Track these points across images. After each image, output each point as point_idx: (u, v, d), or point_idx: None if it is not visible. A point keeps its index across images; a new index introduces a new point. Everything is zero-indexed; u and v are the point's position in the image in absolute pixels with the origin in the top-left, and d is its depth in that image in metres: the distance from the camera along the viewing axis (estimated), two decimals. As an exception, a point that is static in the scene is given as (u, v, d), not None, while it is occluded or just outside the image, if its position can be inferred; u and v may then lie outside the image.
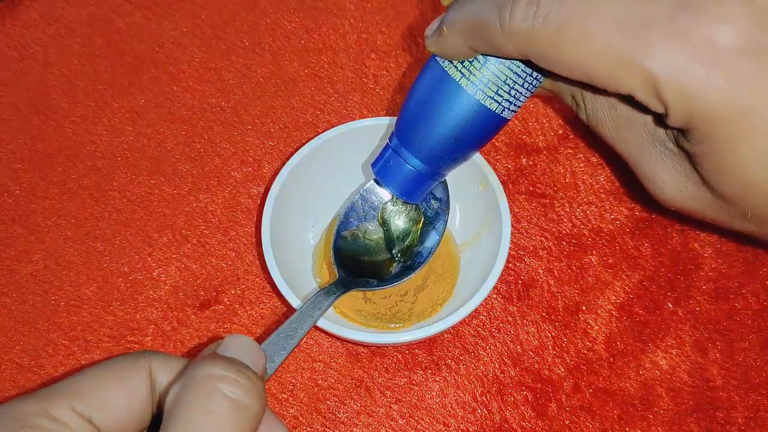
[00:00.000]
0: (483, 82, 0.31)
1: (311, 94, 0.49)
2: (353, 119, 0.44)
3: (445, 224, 0.38)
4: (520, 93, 0.32)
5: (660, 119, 0.31)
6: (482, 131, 0.33)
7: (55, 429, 0.22)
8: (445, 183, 0.38)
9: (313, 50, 0.50)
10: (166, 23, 0.52)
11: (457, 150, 0.34)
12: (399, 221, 0.39)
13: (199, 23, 0.52)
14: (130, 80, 0.50)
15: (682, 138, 0.30)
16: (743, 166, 0.28)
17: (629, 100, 0.29)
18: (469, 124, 0.32)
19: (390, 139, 0.35)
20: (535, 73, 0.32)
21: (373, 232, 0.39)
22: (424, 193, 0.36)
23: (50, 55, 0.51)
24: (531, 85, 0.32)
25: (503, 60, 0.31)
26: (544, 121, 0.46)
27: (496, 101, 0.32)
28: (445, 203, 0.38)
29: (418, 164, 0.34)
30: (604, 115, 0.35)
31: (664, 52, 0.26)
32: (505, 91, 0.32)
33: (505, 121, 0.33)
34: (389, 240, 0.39)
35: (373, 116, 0.47)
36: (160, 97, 0.49)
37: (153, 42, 0.51)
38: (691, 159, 0.31)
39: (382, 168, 0.36)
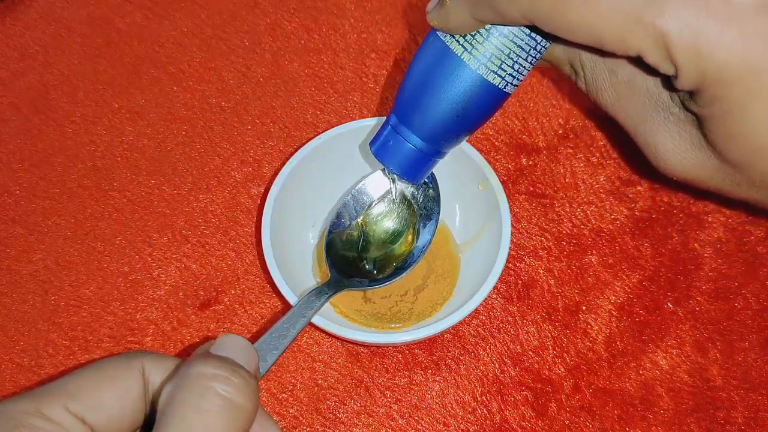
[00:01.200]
0: (486, 57, 0.31)
1: (311, 94, 0.49)
2: (353, 119, 0.44)
3: (437, 223, 0.38)
4: (523, 67, 0.32)
5: (668, 82, 0.30)
6: (485, 107, 0.32)
7: (49, 428, 0.22)
8: (434, 179, 0.38)
9: (313, 50, 0.50)
10: (166, 23, 0.52)
11: (460, 127, 0.33)
12: (390, 222, 0.39)
13: (199, 23, 0.52)
14: (130, 80, 0.50)
15: (690, 100, 0.29)
16: (753, 129, 0.27)
17: (636, 62, 0.28)
18: (473, 100, 0.32)
19: (388, 117, 0.34)
20: (537, 45, 0.31)
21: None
22: (426, 172, 0.35)
23: (50, 55, 0.51)
24: (533, 58, 0.32)
25: (506, 32, 0.30)
26: (544, 121, 0.46)
27: (499, 76, 0.31)
28: (435, 201, 0.38)
29: (418, 142, 0.33)
30: (604, 82, 0.34)
31: (677, 9, 0.26)
32: (508, 65, 0.31)
33: (507, 95, 0.33)
34: (365, 243, 0.39)
35: (373, 116, 0.47)
36: (160, 97, 0.49)
37: (153, 42, 0.51)
38: (698, 123, 0.30)
39: (381, 147, 0.35)
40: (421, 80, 0.32)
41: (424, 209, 0.39)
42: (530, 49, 0.31)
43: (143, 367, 0.25)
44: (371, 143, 0.35)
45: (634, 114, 0.33)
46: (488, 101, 0.32)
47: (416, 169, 0.35)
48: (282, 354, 0.30)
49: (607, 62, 0.33)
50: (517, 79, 0.32)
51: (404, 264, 0.38)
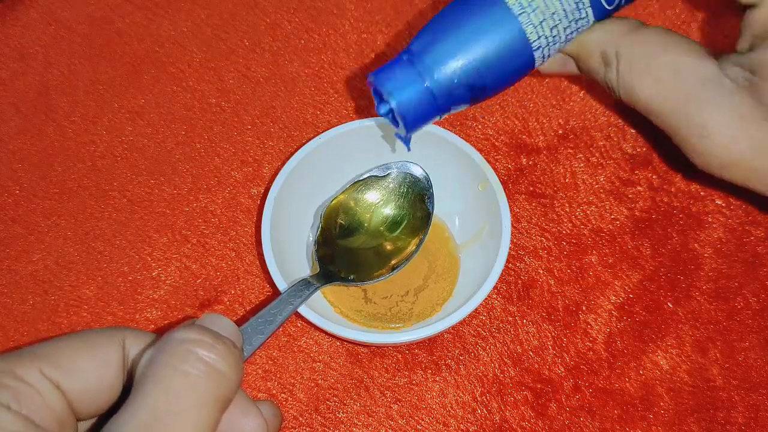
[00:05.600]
0: (532, 7, 0.30)
1: (311, 94, 0.49)
2: (353, 119, 0.43)
3: (430, 222, 0.38)
4: (558, 37, 0.31)
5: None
6: (509, 65, 0.31)
7: (20, 389, 0.22)
8: (428, 178, 0.38)
9: (313, 50, 0.50)
10: (166, 23, 0.52)
11: (476, 79, 0.31)
12: (387, 210, 0.39)
13: (199, 23, 0.52)
14: (130, 80, 0.50)
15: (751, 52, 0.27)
16: None
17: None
18: (501, 49, 0.30)
19: (403, 51, 0.32)
20: (580, 19, 0.30)
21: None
22: (420, 122, 0.32)
23: (50, 55, 0.51)
24: (570, 33, 0.31)
25: None
26: (544, 121, 0.46)
27: (536, 32, 0.30)
28: (429, 199, 0.38)
29: (429, 80, 0.31)
30: (646, 67, 0.31)
31: None
32: (547, 26, 0.30)
33: (532, 67, 0.31)
34: (357, 234, 0.39)
35: (372, 116, 0.47)
36: (160, 97, 0.49)
37: (153, 42, 0.51)
38: (756, 90, 0.28)
39: (385, 74, 0.31)
40: (453, 14, 0.31)
41: (417, 209, 0.39)
42: (572, 20, 0.30)
43: (124, 341, 0.25)
44: (375, 71, 0.32)
45: (676, 96, 0.31)
46: (514, 60, 0.31)
47: (415, 110, 0.32)
48: (267, 339, 0.29)
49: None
50: (548, 50, 0.31)
51: (399, 263, 0.38)
